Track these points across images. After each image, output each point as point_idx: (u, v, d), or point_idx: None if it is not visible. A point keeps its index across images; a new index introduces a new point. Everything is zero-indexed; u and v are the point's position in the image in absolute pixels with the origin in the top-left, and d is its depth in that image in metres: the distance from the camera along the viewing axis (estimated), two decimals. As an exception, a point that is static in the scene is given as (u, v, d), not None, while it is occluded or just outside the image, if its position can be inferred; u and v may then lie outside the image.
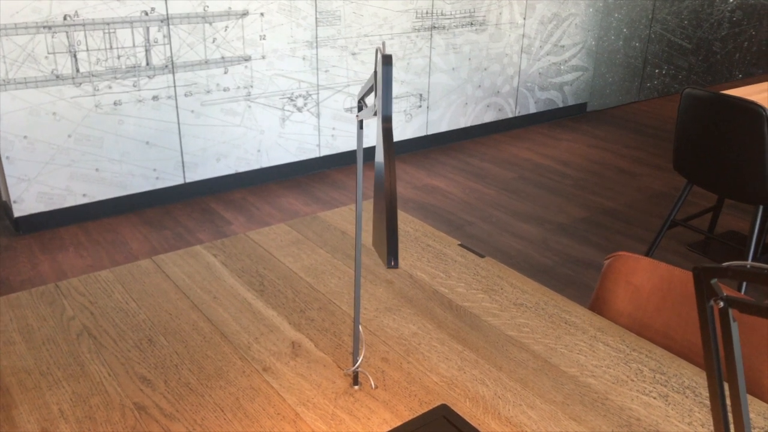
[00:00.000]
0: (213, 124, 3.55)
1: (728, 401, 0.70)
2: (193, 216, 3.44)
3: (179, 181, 3.56)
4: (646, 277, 1.31)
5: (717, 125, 2.60)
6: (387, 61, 0.50)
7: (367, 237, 1.54)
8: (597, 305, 1.38)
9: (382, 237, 0.47)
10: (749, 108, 2.45)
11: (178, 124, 3.44)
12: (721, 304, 0.56)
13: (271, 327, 1.21)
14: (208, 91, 3.48)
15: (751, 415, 1.02)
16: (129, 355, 1.12)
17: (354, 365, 1.06)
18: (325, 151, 4.04)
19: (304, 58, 3.73)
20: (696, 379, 1.10)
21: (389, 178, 0.46)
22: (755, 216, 2.67)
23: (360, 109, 0.98)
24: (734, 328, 0.56)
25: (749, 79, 6.78)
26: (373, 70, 0.60)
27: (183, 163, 3.53)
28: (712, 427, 0.99)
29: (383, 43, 0.55)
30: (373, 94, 0.61)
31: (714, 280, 0.56)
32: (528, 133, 4.90)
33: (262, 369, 1.10)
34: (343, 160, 4.17)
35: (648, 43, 5.63)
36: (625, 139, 4.82)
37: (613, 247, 3.21)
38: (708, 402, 1.04)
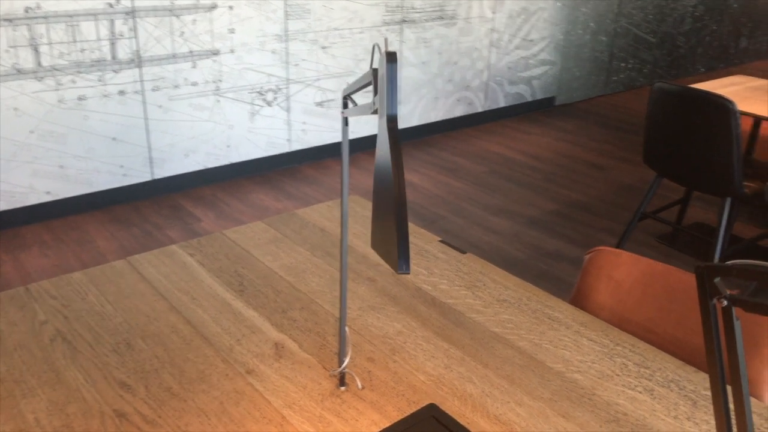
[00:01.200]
0: (181, 119, 3.49)
1: (730, 402, 0.70)
2: (162, 213, 3.37)
3: (147, 177, 3.48)
4: (626, 271, 1.32)
5: (686, 119, 2.64)
6: (392, 58, 0.48)
7: (353, 238, 1.52)
8: (578, 300, 1.39)
9: (389, 241, 0.46)
10: (718, 102, 2.49)
11: (146, 119, 3.37)
12: (725, 302, 0.55)
13: (253, 328, 1.18)
14: (176, 86, 3.41)
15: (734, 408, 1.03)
16: (106, 360, 1.09)
17: (340, 366, 1.04)
18: (296, 146, 4.00)
19: (273, 52, 3.68)
20: (679, 372, 1.10)
21: (397, 181, 0.44)
22: (723, 208, 2.72)
23: (345, 105, 0.96)
24: (737, 327, 0.55)
25: (711, 72, 6.92)
26: (370, 68, 0.58)
27: (151, 159, 3.45)
28: (697, 420, 1.00)
29: (386, 40, 0.53)
30: (367, 91, 0.59)
31: (717, 279, 0.56)
32: (498, 127, 4.93)
33: (246, 371, 1.07)
34: (314, 155, 4.14)
35: (614, 37, 5.70)
36: (593, 132, 4.87)
37: (584, 240, 3.24)
38: (693, 396, 1.05)
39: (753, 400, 1.05)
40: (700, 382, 1.08)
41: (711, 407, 1.03)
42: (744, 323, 1.16)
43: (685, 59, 6.56)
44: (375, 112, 0.54)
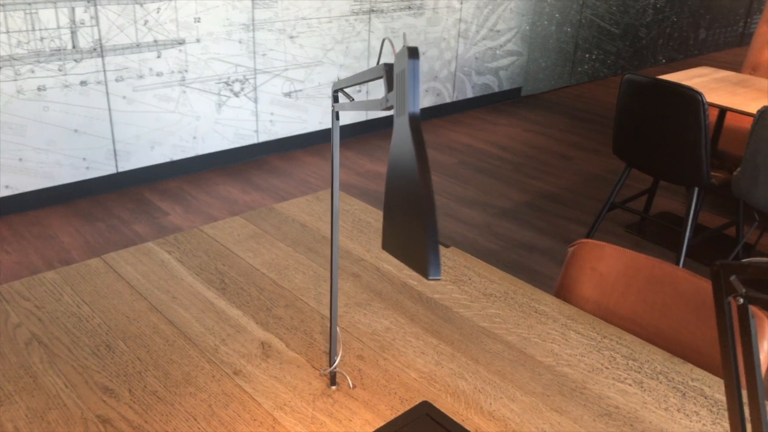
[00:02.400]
0: (146, 111, 3.40)
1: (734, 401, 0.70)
2: (128, 207, 3.29)
3: (111, 170, 3.39)
4: (610, 263, 1.33)
5: (656, 111, 2.67)
6: (414, 54, 0.46)
7: (349, 241, 1.50)
8: (562, 293, 1.39)
9: (410, 244, 0.44)
10: (686, 94, 2.53)
11: (109, 110, 3.27)
12: (741, 300, 0.55)
13: (238, 327, 1.15)
14: (141, 76, 3.32)
15: (721, 398, 1.04)
16: (86, 364, 1.05)
17: (331, 365, 1.02)
18: (264, 137, 3.94)
19: (240, 42, 3.61)
20: (667, 364, 1.11)
21: (425, 183, 0.42)
22: (691, 198, 2.77)
23: (336, 99, 0.94)
24: (753, 324, 0.55)
25: (672, 63, 7.05)
26: (377, 63, 0.55)
27: (115, 151, 3.36)
28: (687, 412, 1.01)
29: (404, 35, 0.51)
30: (383, 88, 0.56)
31: (733, 277, 0.55)
32: (466, 118, 4.93)
33: (233, 372, 1.04)
34: (283, 146, 4.08)
35: (579, 29, 5.75)
36: (560, 123, 4.92)
37: (555, 230, 3.27)
38: (681, 387, 1.06)
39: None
40: (687, 374, 1.09)
41: (699, 398, 1.04)
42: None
43: (646, 50, 6.66)
44: (387, 108, 0.52)
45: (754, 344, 0.55)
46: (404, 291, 1.28)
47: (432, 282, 1.31)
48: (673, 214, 3.52)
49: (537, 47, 5.42)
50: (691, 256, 3.09)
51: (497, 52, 5.11)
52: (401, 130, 0.47)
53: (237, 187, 3.57)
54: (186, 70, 3.47)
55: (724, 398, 1.04)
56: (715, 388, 1.06)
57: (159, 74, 3.38)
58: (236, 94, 3.70)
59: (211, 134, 3.69)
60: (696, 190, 2.76)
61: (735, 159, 3.44)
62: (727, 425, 0.98)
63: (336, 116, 0.93)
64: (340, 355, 1.08)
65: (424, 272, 0.43)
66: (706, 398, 1.04)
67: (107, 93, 3.24)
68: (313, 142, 4.24)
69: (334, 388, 1.02)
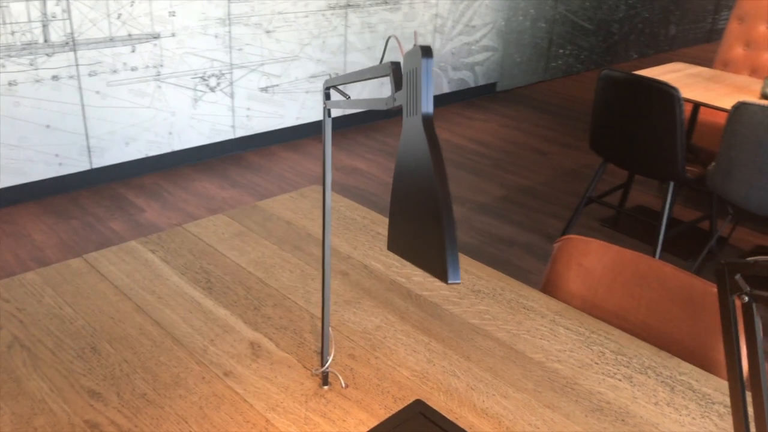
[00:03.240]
0: (120, 106, 3.34)
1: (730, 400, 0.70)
2: (102, 204, 3.23)
3: (85, 166, 3.33)
4: (596, 259, 1.34)
5: (632, 106, 2.70)
6: (428, 52, 0.45)
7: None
8: (548, 288, 1.40)
9: (424, 246, 0.43)
10: (662, 89, 2.56)
11: (82, 105, 3.21)
12: (746, 299, 0.56)
13: (226, 327, 1.14)
14: (115, 71, 3.26)
15: (709, 391, 1.05)
16: (72, 367, 1.02)
17: (324, 365, 1.01)
18: (240, 133, 3.90)
19: (216, 36, 3.57)
20: (655, 359, 1.13)
21: (442, 185, 0.42)
22: (666, 192, 2.81)
23: (328, 96, 0.93)
24: (757, 322, 0.56)
25: (643, 59, 7.14)
26: (381, 61, 0.54)
27: (89, 147, 3.30)
28: (677, 406, 1.02)
29: (415, 33, 0.50)
30: (390, 87, 0.55)
31: (738, 275, 0.56)
32: (443, 113, 4.94)
33: (223, 374, 1.03)
34: (259, 142, 4.05)
35: (553, 24, 5.79)
36: (535, 118, 4.95)
37: (533, 225, 3.30)
38: (670, 381, 1.07)
39: (723, 382, 1.08)
40: (674, 368, 1.11)
41: (688, 392, 1.05)
42: (716, 309, 1.20)
43: (619, 46, 6.74)
44: (392, 108, 0.52)
45: (759, 342, 0.56)
46: (393, 288, 1.27)
47: (419, 279, 1.31)
48: (647, 208, 3.57)
49: (512, 43, 5.45)
50: (665, 249, 3.14)
51: (473, 47, 5.12)
52: (413, 131, 0.46)
53: (214, 183, 3.53)
54: (161, 65, 3.41)
55: (711, 392, 1.05)
56: (703, 381, 1.07)
57: (133, 69, 3.32)
58: (212, 89, 3.66)
59: (187, 130, 3.64)
60: (672, 184, 2.80)
61: (708, 153, 3.50)
62: (715, 419, 1.00)
63: (328, 114, 0.92)
64: (332, 355, 1.08)
65: (443, 276, 0.42)
66: (694, 392, 1.05)
67: (80, 88, 3.17)
68: (290, 137, 4.21)
69: (326, 388, 1.02)
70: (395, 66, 0.52)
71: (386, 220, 1.53)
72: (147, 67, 3.36)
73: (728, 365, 0.58)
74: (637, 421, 0.98)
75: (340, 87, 0.78)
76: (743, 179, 2.47)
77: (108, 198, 3.29)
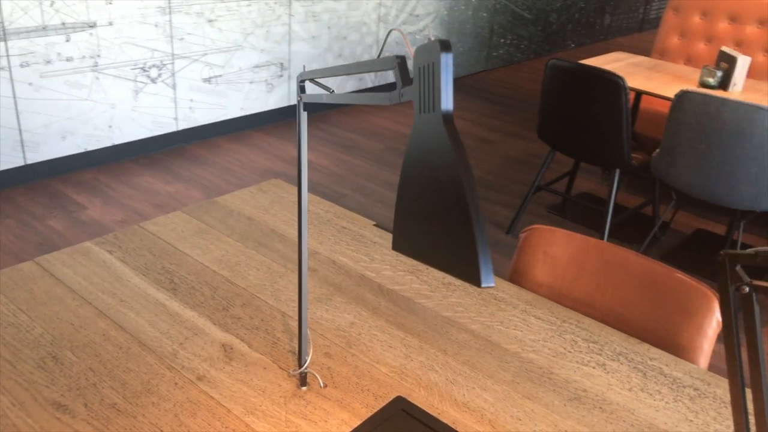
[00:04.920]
0: (56, 98, 3.19)
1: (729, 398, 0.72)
2: (40, 201, 3.08)
3: (18, 162, 3.16)
4: (562, 248, 1.35)
5: (579, 95, 2.75)
6: (447, 47, 0.43)
7: (283, 224, 1.45)
8: (515, 278, 1.41)
9: (451, 250, 0.42)
10: (609, 78, 2.62)
11: (14, 98, 3.05)
12: (746, 289, 0.56)
13: (195, 330, 1.10)
14: (49, 62, 3.10)
15: (679, 375, 1.08)
16: (32, 378, 0.97)
17: (302, 366, 0.99)
18: (183, 125, 3.79)
19: (156, 25, 3.44)
20: (625, 345, 1.15)
21: (469, 185, 0.40)
22: (612, 179, 2.88)
23: (303, 90, 0.90)
24: (757, 313, 0.57)
25: (581, 48, 7.30)
26: (379, 55, 0.53)
27: (22, 142, 3.14)
28: (650, 391, 1.04)
29: (428, 26, 0.48)
30: (399, 81, 0.53)
31: (738, 266, 0.57)
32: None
33: (196, 378, 0.99)
34: (203, 134, 3.94)
35: (494, 14, 5.85)
36: (478, 107, 5.00)
37: (483, 214, 3.33)
38: (641, 367, 1.10)
39: (691, 365, 1.11)
40: (644, 353, 1.13)
41: (659, 377, 1.07)
42: (678, 294, 1.23)
43: (557, 35, 6.87)
44: (397, 103, 0.50)
45: (758, 333, 0.57)
46: (363, 283, 1.26)
47: (389, 273, 1.29)
48: (591, 195, 3.66)
49: (455, 32, 5.48)
50: (611, 234, 3.22)
51: (417, 36, 5.12)
52: (429, 128, 0.44)
53: (158, 177, 3.42)
54: (98, 55, 3.27)
55: (681, 375, 1.08)
56: (672, 366, 1.10)
57: (69, 59, 3.17)
58: (153, 81, 3.53)
59: (127, 122, 3.51)
60: (617, 171, 2.87)
61: (650, 140, 3.61)
62: (687, 402, 1.02)
63: (303, 107, 0.90)
64: (311, 355, 1.05)
65: (475, 280, 0.41)
66: (665, 377, 1.07)
67: (11, 79, 3.01)
68: (235, 128, 4.11)
69: (304, 388, 0.99)
70: (401, 60, 0.50)
71: (350, 214, 1.51)
72: (83, 57, 3.22)
73: (727, 354, 0.59)
74: (614, 408, 1.00)
75: (320, 80, 0.75)
76: (686, 165, 2.56)
77: (45, 195, 3.15)
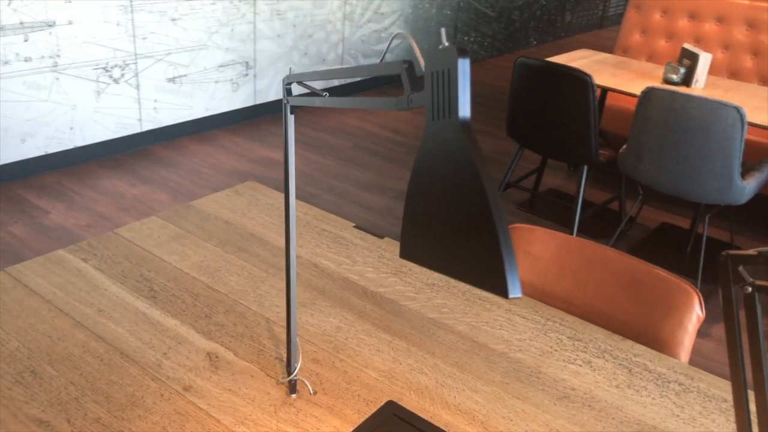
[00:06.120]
0: (14, 100, 3.09)
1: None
2: (0, 207, 2.99)
3: (-24, 166, 3.06)
4: (543, 246, 1.36)
5: (547, 93, 2.78)
6: (464, 52, 0.42)
7: (261, 228, 1.43)
8: (497, 277, 1.41)
9: (472, 260, 0.41)
10: (577, 76, 2.65)
11: (-29, 100, 2.94)
12: (749, 289, 0.57)
13: (178, 338, 1.07)
14: (6, 62, 3.00)
15: (663, 371, 1.10)
16: (11, 395, 0.93)
17: (291, 373, 0.97)
18: (148, 126, 3.71)
19: (118, 24, 3.36)
20: (609, 342, 1.16)
21: (493, 196, 0.39)
22: (581, 175, 2.92)
23: (289, 93, 0.88)
24: (759, 313, 0.57)
25: (543, 45, 7.39)
26: (382, 59, 0.51)
27: (-20, 145, 3.03)
28: (637, 388, 1.05)
29: (442, 30, 0.48)
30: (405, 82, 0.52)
31: (741, 267, 0.57)
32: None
33: (183, 389, 0.97)
34: (168, 135, 3.87)
35: (458, 12, 5.88)
36: (446, 104, 5.01)
37: (454, 210, 3.34)
38: (626, 364, 1.11)
39: (674, 360, 1.13)
40: (628, 350, 1.14)
41: (645, 373, 1.09)
42: (658, 290, 1.24)
43: (519, 33, 6.94)
44: (405, 109, 0.49)
45: (761, 333, 0.58)
46: (347, 287, 1.24)
47: (373, 275, 1.28)
48: (558, 191, 3.70)
49: (419, 30, 5.49)
50: (579, 230, 3.27)
51: (382, 34, 5.11)
52: (444, 136, 0.43)
53: (123, 179, 3.34)
54: (58, 55, 3.18)
55: (666, 371, 1.10)
56: (656, 362, 1.12)
57: (27, 59, 3.08)
58: (116, 81, 3.45)
59: (90, 124, 3.42)
60: (585, 167, 2.91)
61: (616, 137, 3.67)
62: (673, 397, 1.04)
63: (290, 110, 0.88)
64: (300, 362, 1.04)
65: (501, 290, 0.40)
66: (650, 372, 1.09)
67: (-33, 81, 2.91)
68: (201, 129, 4.05)
69: (294, 396, 0.98)
70: (408, 65, 0.49)
71: (330, 216, 1.50)
72: (42, 57, 3.13)
73: (730, 354, 0.60)
74: (603, 406, 1.01)
75: (309, 83, 0.74)
76: (653, 161, 2.60)
77: (5, 200, 3.05)
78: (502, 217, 0.40)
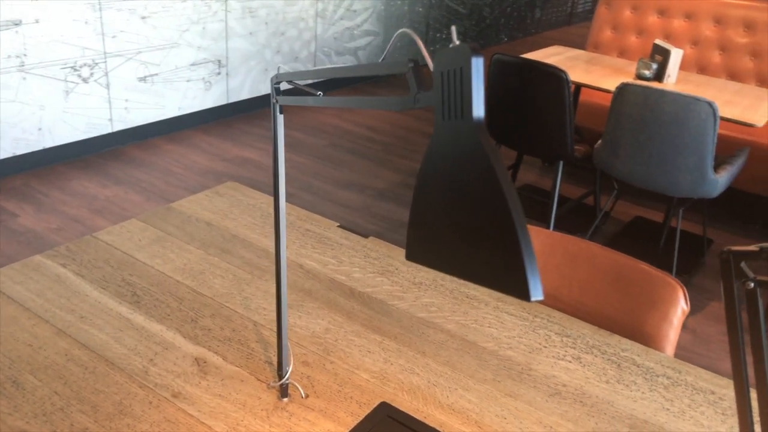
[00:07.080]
0: (-20, 101, 3.01)
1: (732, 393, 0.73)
2: (-34, 210, 2.91)
3: (-59, 170, 2.97)
4: (528, 243, 1.36)
5: (523, 89, 2.79)
6: (477, 51, 0.41)
7: (244, 229, 1.41)
8: (482, 275, 1.41)
9: (489, 263, 0.40)
10: (552, 72, 2.66)
11: (-66, 101, 2.86)
12: (751, 285, 0.57)
13: (164, 344, 1.05)
14: (-29, 62, 2.92)
15: (651, 365, 1.11)
16: (-7, 406, 0.90)
17: (283, 377, 0.96)
18: (119, 126, 3.65)
19: (86, 22, 3.29)
20: (596, 337, 1.17)
21: (512, 197, 0.39)
22: (556, 171, 2.94)
23: (278, 92, 0.87)
24: (761, 309, 0.58)
25: (513, 42, 7.44)
26: (384, 58, 0.50)
27: (-56, 148, 2.95)
28: (626, 383, 1.06)
29: (453, 29, 0.47)
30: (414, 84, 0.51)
31: (743, 263, 0.58)
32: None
33: (172, 395, 0.95)
34: (140, 135, 3.81)
35: (429, 9, 5.88)
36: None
37: (431, 208, 3.34)
38: (615, 359, 1.12)
39: (661, 354, 1.14)
40: (616, 345, 1.15)
41: (633, 368, 1.10)
42: (643, 284, 1.26)
43: (490, 29, 6.97)
44: (411, 109, 0.48)
45: (762, 329, 0.58)
46: (334, 287, 1.23)
47: (359, 275, 1.27)
48: (533, 186, 3.73)
49: (392, 27, 5.48)
50: (555, 225, 3.30)
51: (355, 32, 5.09)
52: (456, 136, 0.43)
53: (94, 181, 3.28)
54: (25, 55, 3.10)
55: (654, 365, 1.10)
56: (644, 356, 1.13)
57: (-7, 59, 2.99)
58: (85, 80, 3.38)
59: (59, 125, 3.35)
60: (561, 163, 2.93)
61: (590, 132, 3.70)
62: (662, 391, 1.05)
63: (279, 110, 0.86)
64: (291, 366, 1.02)
65: (522, 293, 0.39)
66: (638, 367, 1.10)
67: (-70, 82, 2.82)
68: (173, 128, 3.99)
69: (286, 400, 0.96)
70: (414, 64, 0.48)
71: (314, 216, 1.48)
72: (8, 56, 3.05)
73: (732, 350, 0.60)
74: (594, 401, 1.01)
75: (303, 83, 0.73)
76: (628, 155, 2.63)
77: (-28, 203, 2.97)
78: (522, 217, 0.40)
